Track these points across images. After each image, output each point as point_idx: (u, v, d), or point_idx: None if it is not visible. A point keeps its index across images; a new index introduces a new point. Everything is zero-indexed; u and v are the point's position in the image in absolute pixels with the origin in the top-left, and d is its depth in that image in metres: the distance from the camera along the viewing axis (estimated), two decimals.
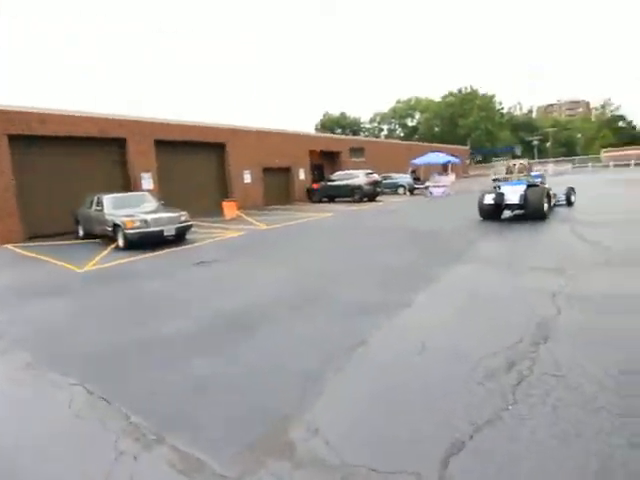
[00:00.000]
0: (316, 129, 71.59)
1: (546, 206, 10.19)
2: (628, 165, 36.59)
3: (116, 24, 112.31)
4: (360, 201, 20.16)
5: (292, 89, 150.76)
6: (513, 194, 10.33)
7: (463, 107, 63.40)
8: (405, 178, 24.55)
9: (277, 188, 22.92)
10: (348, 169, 23.47)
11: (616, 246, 6.76)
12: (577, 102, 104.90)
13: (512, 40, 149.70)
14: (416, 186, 24.10)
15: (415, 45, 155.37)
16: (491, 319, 4.13)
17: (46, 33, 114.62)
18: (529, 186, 10.40)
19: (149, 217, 9.85)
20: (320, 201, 21.96)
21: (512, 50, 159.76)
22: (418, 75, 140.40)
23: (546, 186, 10.99)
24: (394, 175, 25.50)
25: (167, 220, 10.09)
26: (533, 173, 12.15)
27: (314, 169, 26.10)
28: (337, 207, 18.69)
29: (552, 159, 49.74)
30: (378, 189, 20.65)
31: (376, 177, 20.77)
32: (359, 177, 20.24)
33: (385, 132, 79.96)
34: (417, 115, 75.55)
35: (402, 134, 76.17)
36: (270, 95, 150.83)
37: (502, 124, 67.93)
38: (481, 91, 64.79)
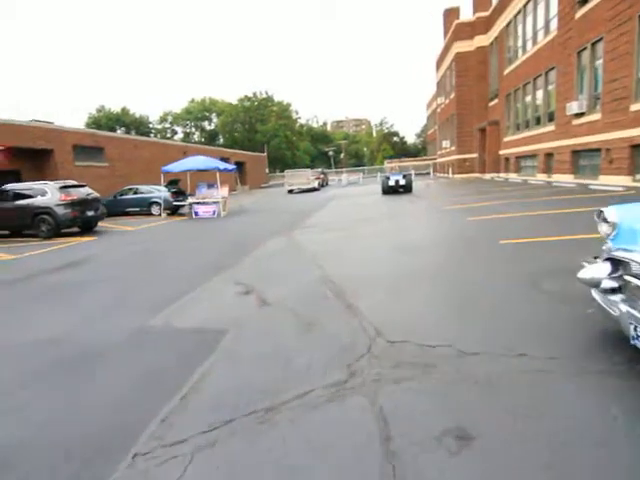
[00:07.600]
0: (88, 127, 55.64)
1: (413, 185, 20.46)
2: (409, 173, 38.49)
3: None
4: (54, 235, 11.30)
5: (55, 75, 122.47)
6: (402, 180, 19.46)
7: (260, 112, 59.76)
8: (162, 192, 16.64)
9: None
10: (72, 179, 14.07)
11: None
12: (360, 120, 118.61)
13: (308, 55, 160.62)
14: (177, 203, 16.60)
15: (206, 44, 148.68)
16: None
17: None
18: (404, 176, 19.72)
19: None
20: None
21: (306, 64, 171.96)
22: (210, 75, 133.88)
23: (411, 176, 20.74)
24: (144, 188, 17.28)
25: None
26: (404, 171, 22.25)
27: None
28: None
29: (346, 169, 50.39)
30: (91, 212, 12.09)
31: (85, 192, 12.16)
32: (48, 193, 11.29)
33: (180, 135, 69.83)
34: (214, 118, 68.32)
35: (203, 139, 67.69)
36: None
37: (302, 134, 67.71)
38: (276, 98, 62.66)
